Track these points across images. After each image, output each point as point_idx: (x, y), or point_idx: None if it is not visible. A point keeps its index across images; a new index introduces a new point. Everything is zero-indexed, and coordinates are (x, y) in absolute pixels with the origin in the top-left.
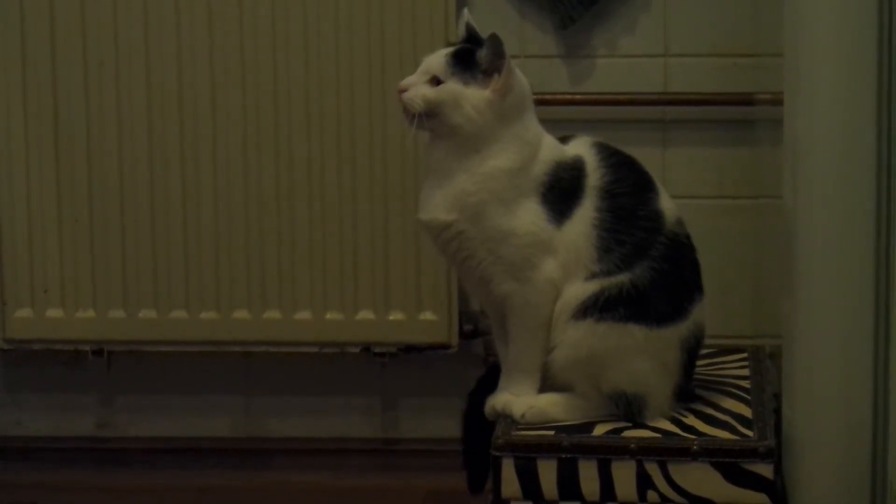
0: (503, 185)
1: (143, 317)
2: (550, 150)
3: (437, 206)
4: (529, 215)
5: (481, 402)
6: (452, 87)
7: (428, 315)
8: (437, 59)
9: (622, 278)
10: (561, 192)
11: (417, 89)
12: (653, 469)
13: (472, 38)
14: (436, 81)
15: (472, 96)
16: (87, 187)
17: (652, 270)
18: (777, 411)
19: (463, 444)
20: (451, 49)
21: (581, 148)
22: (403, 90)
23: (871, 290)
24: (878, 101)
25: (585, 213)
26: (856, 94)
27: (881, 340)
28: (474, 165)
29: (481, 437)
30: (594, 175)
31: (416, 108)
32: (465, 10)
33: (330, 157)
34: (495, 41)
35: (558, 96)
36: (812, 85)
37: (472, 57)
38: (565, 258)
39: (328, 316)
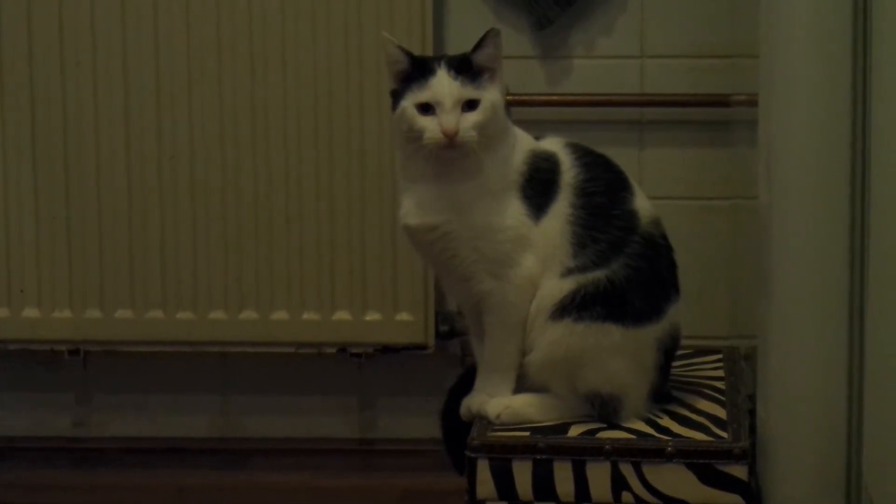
0: (492, 179)
1: (120, 317)
2: (523, 139)
3: (428, 209)
4: (511, 209)
5: (461, 391)
6: (487, 97)
7: (404, 316)
8: (450, 87)
9: (598, 275)
10: (538, 184)
11: (464, 122)
12: (627, 470)
13: (414, 58)
14: (467, 105)
15: (496, 99)
16: (63, 187)
17: (628, 268)
18: (751, 412)
19: (444, 428)
20: (450, 67)
21: (554, 146)
22: (454, 133)
23: (846, 291)
24: (853, 102)
25: (561, 209)
26: (830, 96)
27: (856, 341)
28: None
29: (461, 423)
30: (569, 173)
31: (475, 140)
32: (384, 34)
33: (307, 158)
34: (496, 37)
35: (535, 97)
36: (787, 86)
37: (468, 65)
38: (542, 254)
39: (305, 316)
